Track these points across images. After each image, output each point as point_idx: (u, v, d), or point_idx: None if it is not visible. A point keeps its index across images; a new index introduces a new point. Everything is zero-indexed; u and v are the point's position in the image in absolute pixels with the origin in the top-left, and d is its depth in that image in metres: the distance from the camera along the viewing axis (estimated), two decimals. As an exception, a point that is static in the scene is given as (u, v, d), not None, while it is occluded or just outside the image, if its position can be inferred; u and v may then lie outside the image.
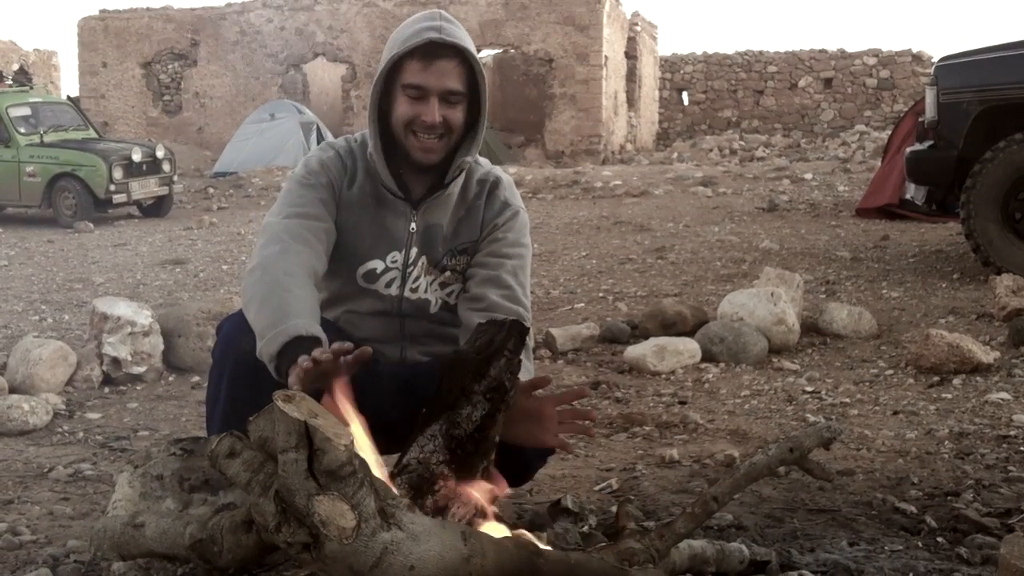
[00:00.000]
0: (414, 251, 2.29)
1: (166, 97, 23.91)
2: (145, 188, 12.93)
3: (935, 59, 7.78)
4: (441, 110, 2.16)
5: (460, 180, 2.30)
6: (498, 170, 2.41)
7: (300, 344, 1.91)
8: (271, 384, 1.94)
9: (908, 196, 7.65)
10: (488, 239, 2.32)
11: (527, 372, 2.11)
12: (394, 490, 1.71)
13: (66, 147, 12.95)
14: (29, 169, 12.67)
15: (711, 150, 21.46)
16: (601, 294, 6.51)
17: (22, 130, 12.91)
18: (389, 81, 2.20)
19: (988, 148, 6.26)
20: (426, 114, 2.15)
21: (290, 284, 2.05)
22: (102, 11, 23.83)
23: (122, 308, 4.55)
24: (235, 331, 2.15)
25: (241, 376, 2.12)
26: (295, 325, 1.95)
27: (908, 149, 7.13)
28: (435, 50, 2.13)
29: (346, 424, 1.71)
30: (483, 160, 2.40)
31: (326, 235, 2.22)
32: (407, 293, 2.30)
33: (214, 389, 2.22)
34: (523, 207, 2.39)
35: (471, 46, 2.20)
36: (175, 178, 13.61)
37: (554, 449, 2.36)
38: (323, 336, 1.96)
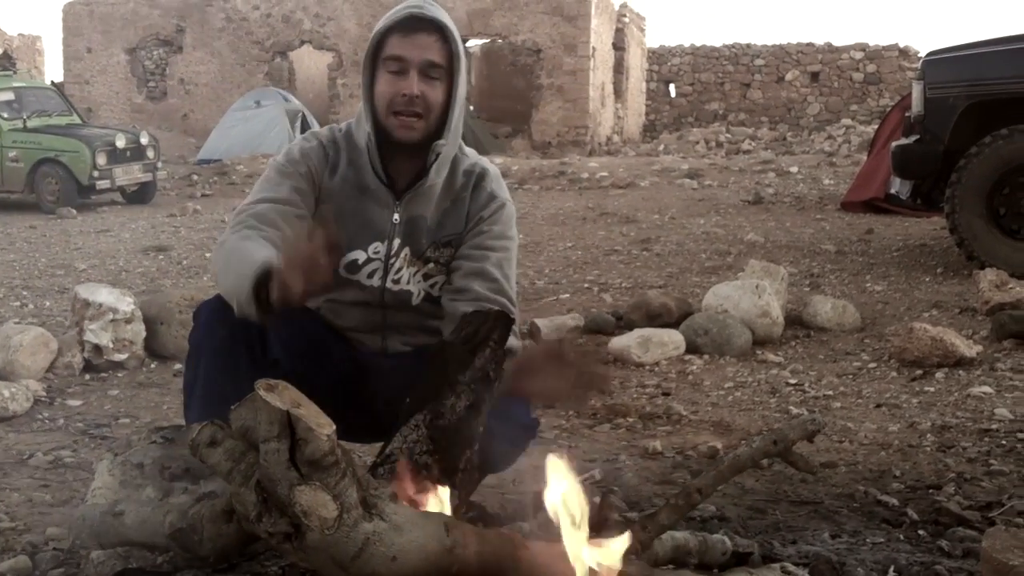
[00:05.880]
0: (397, 242, 2.27)
1: (151, 83, 23.77)
2: (129, 174, 12.86)
3: (922, 54, 7.80)
4: (420, 85, 2.16)
5: (445, 171, 2.27)
6: (485, 161, 2.39)
7: (267, 273, 1.89)
8: (249, 369, 1.92)
9: (893, 190, 7.67)
10: (473, 231, 2.29)
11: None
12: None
13: (49, 132, 12.86)
14: (12, 154, 12.58)
15: (697, 142, 21.49)
16: (586, 285, 6.50)
17: (5, 115, 12.82)
18: (375, 63, 2.21)
19: (974, 143, 6.27)
20: (405, 87, 2.15)
21: (249, 246, 2.04)
22: (87, -4, 23.66)
23: (104, 295, 4.52)
24: (212, 316, 2.14)
25: (219, 361, 2.11)
26: (259, 263, 1.92)
27: (894, 143, 7.14)
28: (415, 23, 2.16)
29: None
30: (469, 151, 2.37)
31: (298, 220, 2.20)
32: (389, 284, 2.28)
33: (192, 375, 2.20)
34: (510, 199, 2.37)
35: (452, 25, 2.21)
36: (159, 165, 13.55)
37: (535, 433, 2.35)
38: None
